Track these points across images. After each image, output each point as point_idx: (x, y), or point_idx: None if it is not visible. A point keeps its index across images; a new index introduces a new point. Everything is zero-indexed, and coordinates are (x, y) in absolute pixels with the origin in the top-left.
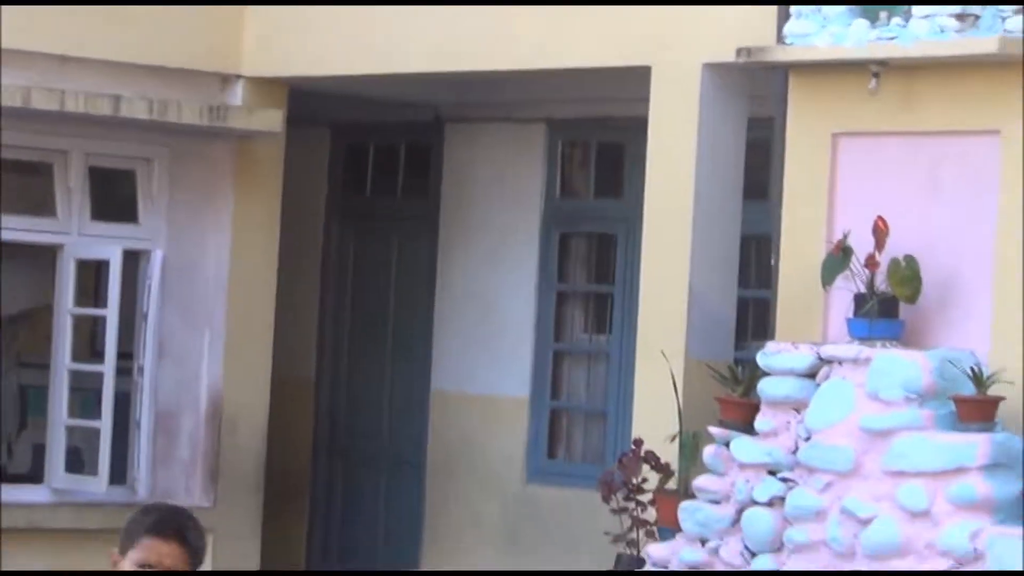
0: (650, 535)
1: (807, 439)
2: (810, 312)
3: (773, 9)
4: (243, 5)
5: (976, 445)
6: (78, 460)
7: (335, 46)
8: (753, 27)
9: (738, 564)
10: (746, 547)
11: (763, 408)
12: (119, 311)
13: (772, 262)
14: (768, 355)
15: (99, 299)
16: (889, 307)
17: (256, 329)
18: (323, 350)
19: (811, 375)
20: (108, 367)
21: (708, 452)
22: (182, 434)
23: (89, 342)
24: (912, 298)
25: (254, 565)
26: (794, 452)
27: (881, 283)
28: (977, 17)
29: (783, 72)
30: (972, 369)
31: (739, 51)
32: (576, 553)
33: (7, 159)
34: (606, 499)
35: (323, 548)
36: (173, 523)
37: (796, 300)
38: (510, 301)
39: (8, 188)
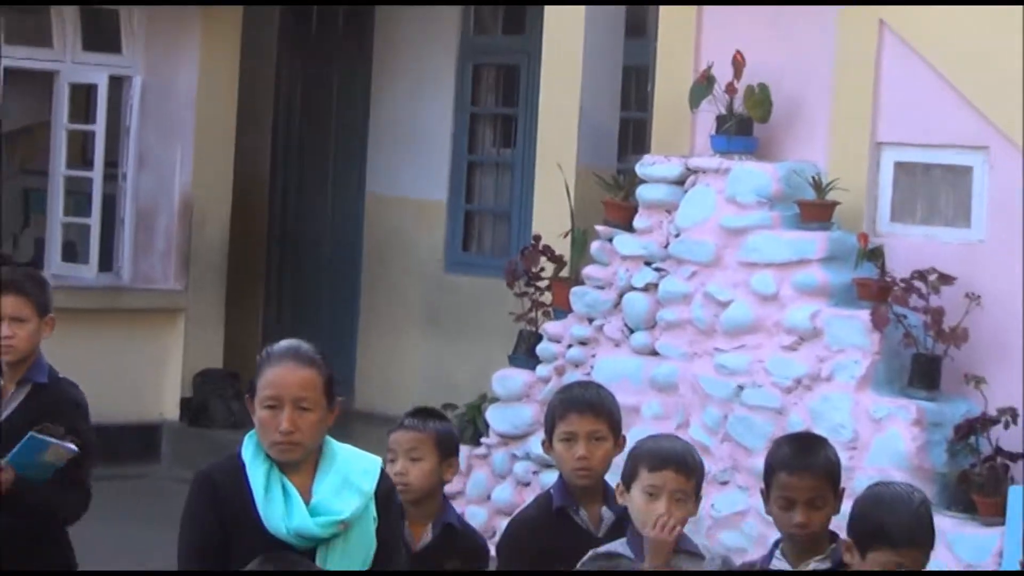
0: (546, 315)
1: (676, 236)
2: (679, 130)
3: None
4: None
5: (816, 241)
6: (72, 251)
7: None
8: None
9: (618, 338)
10: (625, 324)
11: (640, 210)
12: (105, 127)
13: (649, 88)
14: (645, 166)
15: (89, 117)
16: (745, 126)
17: (220, 142)
18: (276, 160)
19: (680, 182)
20: (96, 173)
21: (595, 246)
22: (159, 229)
23: (81, 153)
24: (764, 118)
25: (219, 337)
26: (666, 246)
27: (738, 106)
28: None
29: None
30: (813, 178)
31: None
32: (486, 330)
33: None
34: (510, 285)
35: (276, 323)
36: (6, 278)
37: (668, 120)
38: (432, 120)
39: (11, 23)
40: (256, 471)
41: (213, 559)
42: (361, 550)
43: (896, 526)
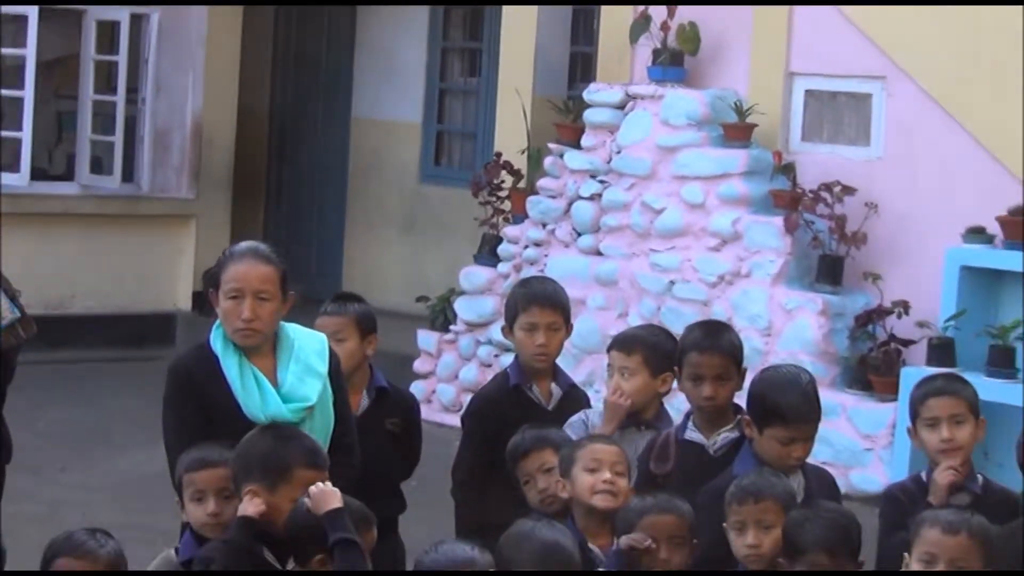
0: (506, 220)
1: (618, 152)
2: (621, 62)
3: None
4: None
5: (737, 158)
6: (99, 164)
7: None
8: None
9: (568, 240)
10: (574, 228)
11: (587, 130)
12: (127, 58)
13: (595, 26)
14: (591, 93)
15: (113, 49)
16: (677, 58)
17: (226, 72)
18: (274, 88)
19: (621, 107)
20: (119, 98)
21: (548, 161)
22: (173, 147)
23: (106, 80)
24: (693, 52)
25: (226, 239)
26: (609, 162)
27: (671, 41)
28: None
29: None
30: (735, 104)
31: None
32: (454, 233)
33: None
34: (475, 195)
35: (274, 228)
36: None
37: (611, 53)
38: (408, 54)
39: None
40: (229, 363)
41: (197, 442)
42: (324, 426)
43: (788, 406)
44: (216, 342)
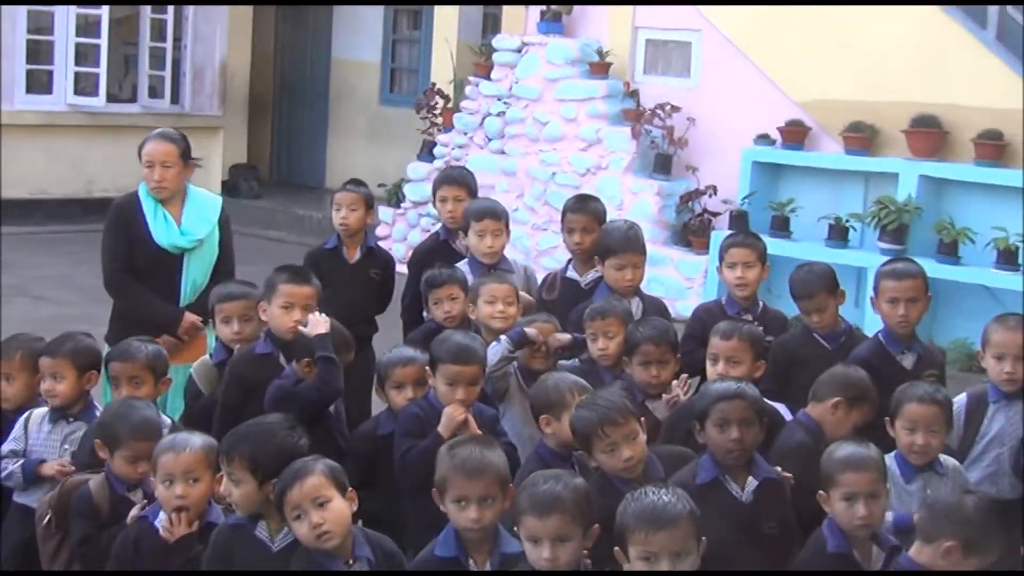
0: (439, 130)
1: (516, 82)
2: (518, 18)
3: None
4: None
5: (599, 87)
6: (154, 92)
7: None
8: None
9: (482, 144)
10: (486, 136)
11: (496, 66)
12: (173, 16)
13: None
14: (498, 40)
15: (163, 10)
16: (557, 16)
17: (243, 26)
18: (277, 37)
19: (519, 50)
20: (168, 45)
21: (468, 89)
22: (207, 80)
23: (159, 32)
24: (569, 12)
25: (243, 144)
26: (510, 89)
27: (553, 4)
28: None
29: None
30: (597, 49)
31: None
32: (404, 140)
33: None
34: (418, 112)
35: (277, 137)
36: None
37: (512, 12)
38: (371, 13)
39: None
40: (148, 205)
41: (123, 259)
42: (210, 254)
43: (614, 242)
44: (142, 191)
